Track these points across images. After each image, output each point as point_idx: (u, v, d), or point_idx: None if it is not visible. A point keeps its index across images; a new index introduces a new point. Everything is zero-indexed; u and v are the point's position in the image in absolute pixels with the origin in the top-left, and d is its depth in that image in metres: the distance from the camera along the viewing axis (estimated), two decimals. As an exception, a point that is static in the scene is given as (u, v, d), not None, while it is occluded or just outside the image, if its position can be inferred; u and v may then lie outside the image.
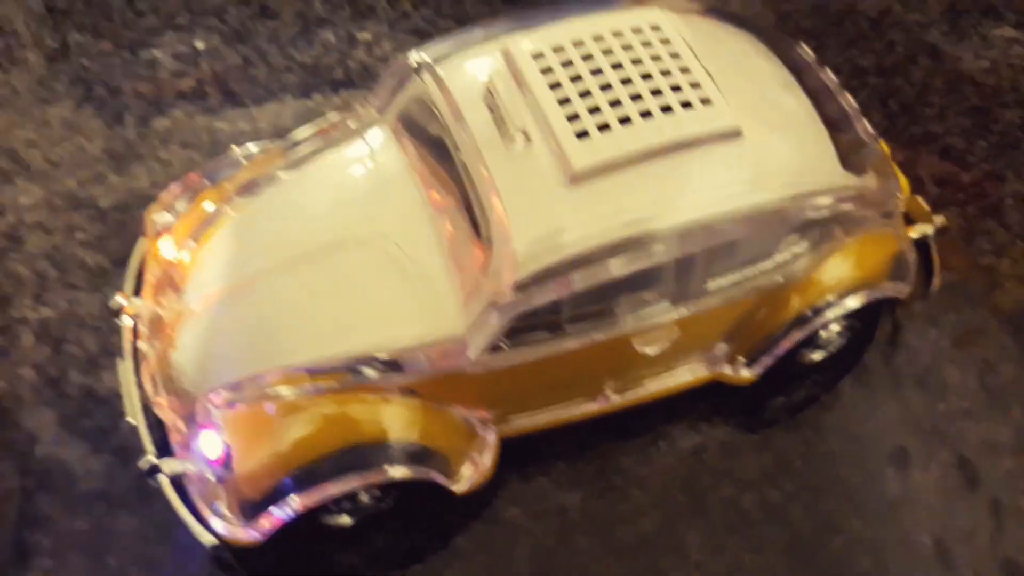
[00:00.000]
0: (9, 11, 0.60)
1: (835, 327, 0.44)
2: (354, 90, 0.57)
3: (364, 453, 0.38)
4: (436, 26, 0.60)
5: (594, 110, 0.37)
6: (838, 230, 0.40)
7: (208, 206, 0.43)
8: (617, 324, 0.39)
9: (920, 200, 0.48)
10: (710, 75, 0.38)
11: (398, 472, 0.38)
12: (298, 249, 0.40)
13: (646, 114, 0.37)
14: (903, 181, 0.45)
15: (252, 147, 0.44)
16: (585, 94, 0.37)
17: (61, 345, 0.47)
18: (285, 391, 0.38)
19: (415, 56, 0.41)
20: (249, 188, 0.42)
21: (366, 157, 0.42)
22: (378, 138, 0.42)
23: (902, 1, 0.64)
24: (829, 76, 0.43)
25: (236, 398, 0.38)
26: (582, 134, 0.36)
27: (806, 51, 0.45)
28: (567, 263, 0.36)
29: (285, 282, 0.39)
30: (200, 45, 0.58)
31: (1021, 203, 0.55)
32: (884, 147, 0.45)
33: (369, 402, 0.38)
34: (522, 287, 0.35)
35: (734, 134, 0.37)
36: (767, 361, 0.43)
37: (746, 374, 0.44)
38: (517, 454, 0.43)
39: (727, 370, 0.44)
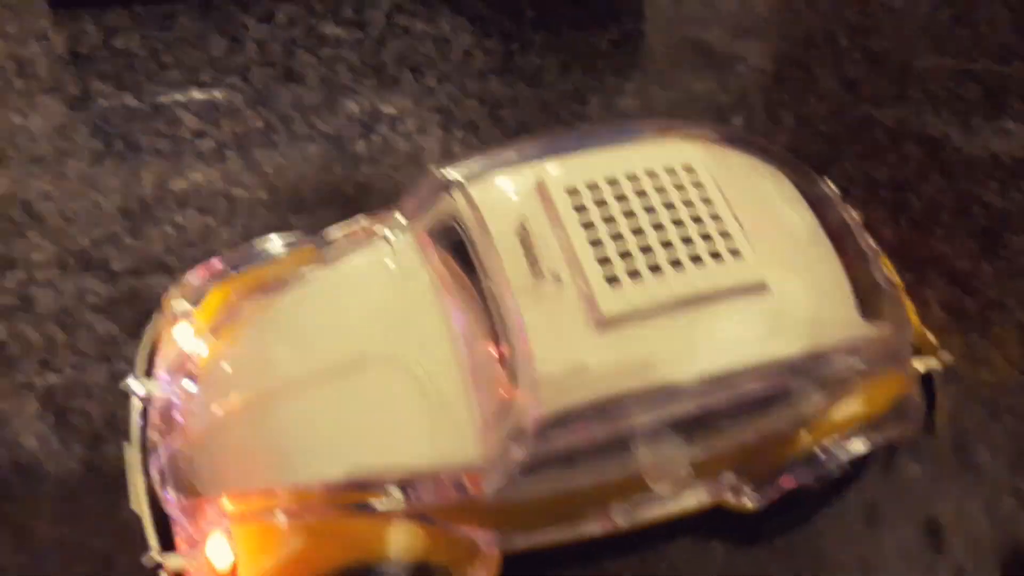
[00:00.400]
0: (33, 53, 0.59)
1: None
2: (375, 167, 0.57)
3: (368, 572, 0.38)
4: (459, 104, 0.60)
5: (625, 255, 0.37)
6: (852, 376, 0.41)
7: (230, 299, 0.43)
8: (632, 463, 0.39)
9: (928, 333, 0.49)
10: (739, 223, 0.38)
11: None
12: (319, 361, 0.40)
13: (676, 263, 0.37)
14: (914, 320, 0.46)
15: (277, 241, 0.44)
16: (617, 237, 0.38)
17: (65, 415, 0.47)
18: (295, 506, 0.38)
19: (448, 173, 0.41)
20: (274, 287, 0.43)
21: (393, 268, 0.42)
22: (406, 249, 0.42)
23: (917, 112, 0.65)
24: (851, 214, 0.43)
25: (247, 507, 0.38)
26: (612, 279, 0.37)
27: (830, 187, 0.45)
28: (590, 407, 0.36)
29: (304, 396, 0.39)
30: (222, 105, 0.58)
31: None
32: (899, 283, 0.46)
33: (375, 522, 0.38)
34: (544, 427, 0.36)
35: (760, 288, 0.38)
36: (771, 494, 0.44)
37: (749, 504, 0.44)
38: (516, 566, 0.43)
39: (730, 498, 0.44)
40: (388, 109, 0.59)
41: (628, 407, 0.37)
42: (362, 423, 0.39)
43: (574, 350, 0.36)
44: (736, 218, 0.39)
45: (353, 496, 0.38)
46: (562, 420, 0.36)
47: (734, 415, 0.40)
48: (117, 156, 0.56)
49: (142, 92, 0.58)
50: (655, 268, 0.37)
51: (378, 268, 0.42)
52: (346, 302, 0.42)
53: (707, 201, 0.39)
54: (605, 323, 0.36)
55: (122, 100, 0.58)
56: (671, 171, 0.39)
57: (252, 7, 0.62)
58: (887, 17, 0.70)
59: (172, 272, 0.52)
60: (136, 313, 0.50)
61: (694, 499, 0.44)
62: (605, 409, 0.36)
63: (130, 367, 0.48)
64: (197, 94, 0.58)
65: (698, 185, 0.39)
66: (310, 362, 0.40)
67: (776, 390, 0.39)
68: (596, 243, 0.37)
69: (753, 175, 0.43)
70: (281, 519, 0.38)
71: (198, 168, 0.55)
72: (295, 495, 0.38)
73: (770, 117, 0.64)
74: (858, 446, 0.43)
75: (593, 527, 0.43)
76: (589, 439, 0.37)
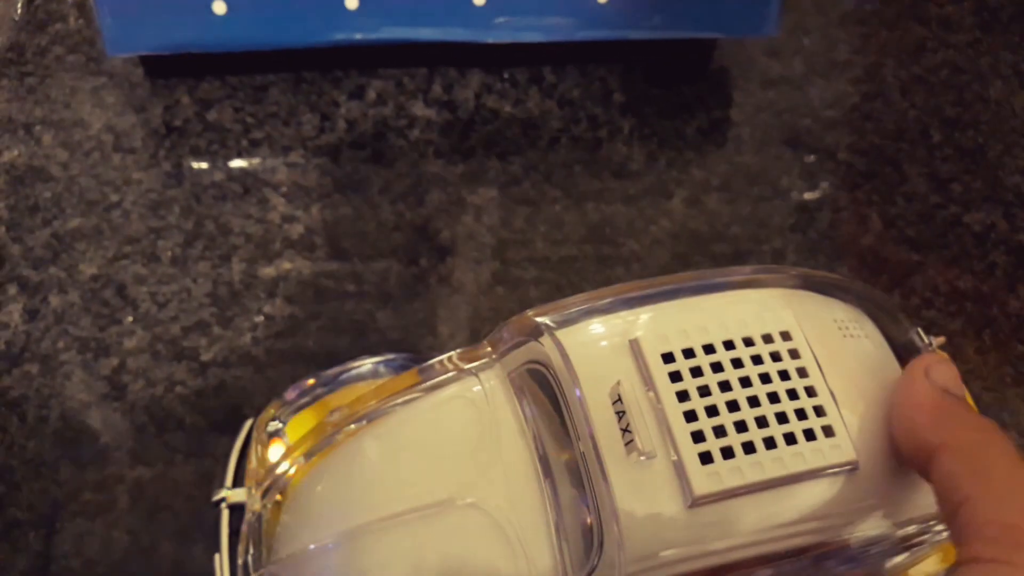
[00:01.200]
0: (128, 126, 0.60)
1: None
2: (457, 259, 0.57)
3: None
4: (544, 195, 0.60)
5: (719, 431, 0.37)
6: (933, 541, 0.41)
7: (324, 423, 0.44)
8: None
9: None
10: (834, 398, 0.38)
11: None
12: (406, 502, 0.40)
13: (769, 442, 0.37)
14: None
15: (369, 364, 0.45)
16: (712, 411, 0.37)
17: (156, 512, 0.49)
18: None
19: (539, 319, 0.41)
20: (368, 415, 0.43)
21: (482, 405, 0.42)
22: (495, 388, 0.42)
23: (1008, 217, 0.64)
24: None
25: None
26: (706, 457, 0.37)
27: (921, 335, 0.45)
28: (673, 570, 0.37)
29: (389, 537, 0.40)
30: (313, 189, 0.59)
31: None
32: None
33: None
34: None
35: (851, 468, 0.38)
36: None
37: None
38: None
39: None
40: (474, 199, 0.60)
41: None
42: (444, 571, 0.39)
43: (663, 525, 0.37)
44: (831, 392, 0.38)
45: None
46: None
47: None
48: (207, 238, 0.57)
49: (233, 171, 0.59)
50: (748, 447, 0.37)
51: (469, 405, 0.43)
52: (436, 439, 0.42)
53: (802, 373, 0.38)
54: (696, 502, 0.37)
55: (213, 179, 0.59)
56: (768, 339, 0.39)
57: (343, 82, 0.62)
58: (983, 108, 0.69)
59: (260, 366, 0.53)
60: (222, 405, 0.52)
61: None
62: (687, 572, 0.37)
63: (215, 463, 0.50)
64: (287, 174, 0.59)
65: (795, 354, 0.39)
66: (397, 501, 0.40)
67: (858, 564, 0.40)
68: (690, 416, 0.37)
69: (847, 333, 0.43)
70: None
71: (286, 255, 0.56)
72: None
73: (856, 217, 0.63)
74: None
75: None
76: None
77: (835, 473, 0.38)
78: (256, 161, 0.60)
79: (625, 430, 0.39)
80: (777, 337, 0.41)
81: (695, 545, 0.37)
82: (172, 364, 0.53)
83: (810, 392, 0.39)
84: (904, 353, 0.44)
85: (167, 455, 0.50)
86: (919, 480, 0.40)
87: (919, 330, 0.46)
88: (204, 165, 0.59)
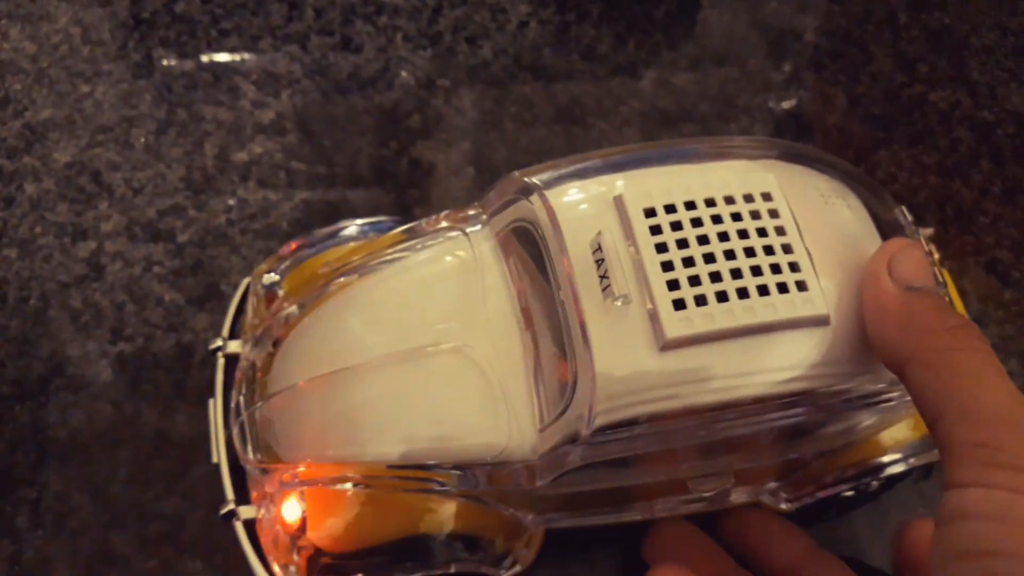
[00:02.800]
0: (96, 19, 0.60)
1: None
2: (428, 141, 0.58)
3: (426, 544, 0.42)
4: (514, 77, 0.61)
5: (694, 280, 0.38)
6: (903, 405, 0.42)
7: (317, 276, 0.45)
8: (680, 470, 0.41)
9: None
10: (810, 255, 0.39)
11: (455, 566, 0.42)
12: (394, 345, 0.42)
13: (743, 292, 0.38)
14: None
15: (358, 225, 0.47)
16: (688, 262, 0.38)
17: (138, 384, 0.50)
18: (361, 479, 0.41)
19: (527, 179, 0.42)
20: (360, 269, 0.45)
21: (471, 262, 0.43)
22: (483, 246, 0.44)
23: (972, 95, 0.65)
24: (924, 243, 0.44)
25: (319, 474, 0.41)
26: (679, 304, 0.38)
27: (904, 213, 0.45)
28: (645, 420, 0.38)
29: (378, 377, 0.42)
30: (282, 74, 0.59)
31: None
32: (962, 311, 0.47)
33: (432, 499, 0.42)
34: (599, 435, 0.38)
35: (822, 322, 0.39)
36: (808, 501, 0.46)
37: (784, 507, 0.47)
38: (557, 541, 0.46)
39: (767, 499, 0.47)
40: (443, 82, 0.60)
41: (681, 423, 0.38)
42: (429, 409, 0.41)
43: (634, 367, 0.38)
44: (807, 250, 0.39)
45: (413, 475, 0.41)
46: (616, 430, 0.38)
47: (784, 435, 0.42)
48: (180, 126, 0.57)
49: (203, 60, 0.60)
50: (722, 296, 0.38)
51: (457, 261, 0.44)
52: (424, 290, 0.44)
53: (780, 231, 0.39)
54: (668, 344, 0.38)
55: (183, 68, 0.59)
56: (749, 198, 0.40)
57: (310, -28, 0.62)
58: (949, -11, 0.69)
59: (235, 246, 0.54)
60: (200, 283, 0.53)
61: (733, 498, 0.47)
62: (659, 423, 0.38)
63: (195, 337, 0.51)
64: (256, 61, 0.60)
65: (774, 214, 0.39)
66: (386, 345, 0.42)
67: (827, 417, 0.41)
68: (667, 266, 0.38)
69: (828, 201, 0.43)
70: (348, 488, 0.41)
71: (258, 141, 0.57)
72: (362, 470, 0.41)
73: (822, 96, 0.64)
74: (897, 467, 0.45)
75: (634, 515, 0.46)
76: (641, 448, 0.39)
77: (806, 326, 0.39)
78: (225, 51, 0.60)
79: (603, 277, 0.40)
80: (758, 197, 0.41)
81: (665, 388, 0.38)
82: (149, 245, 0.54)
83: (786, 249, 0.40)
84: (888, 230, 0.45)
85: (147, 330, 0.51)
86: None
87: (903, 208, 0.47)
88: (174, 55, 0.60)
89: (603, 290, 0.39)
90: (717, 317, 0.38)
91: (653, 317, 0.38)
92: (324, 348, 0.44)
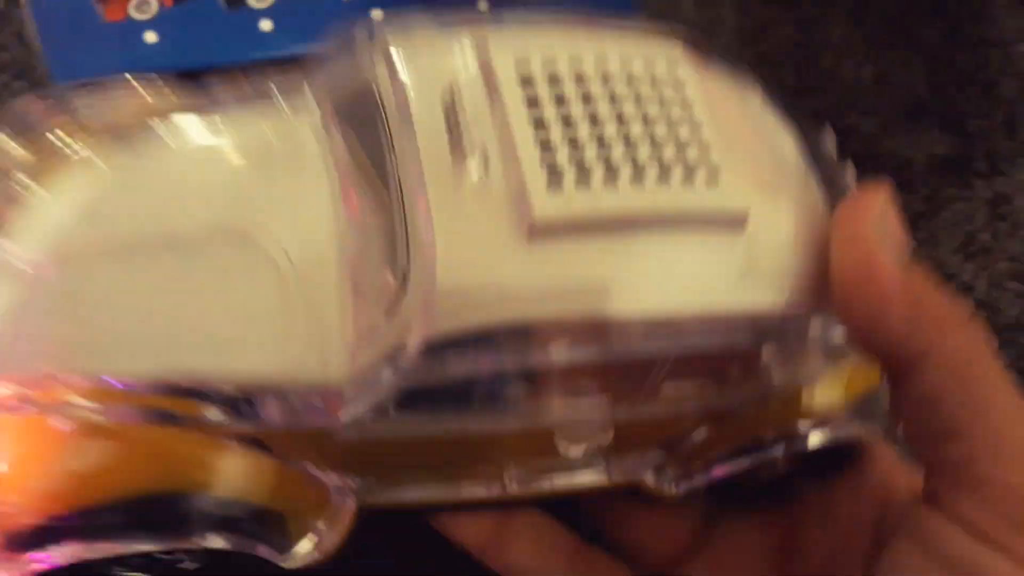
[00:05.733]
0: None
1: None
2: None
3: (173, 506, 0.30)
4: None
5: (574, 146, 0.29)
6: (827, 352, 0.33)
7: (60, 140, 0.33)
8: (539, 415, 0.31)
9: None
10: (723, 140, 0.30)
11: (214, 541, 0.30)
12: (157, 230, 0.31)
13: (638, 174, 0.29)
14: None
15: (134, 81, 0.35)
16: (568, 124, 0.29)
17: None
18: (87, 404, 0.29)
19: (368, 29, 0.32)
20: (120, 134, 0.33)
21: (279, 136, 0.33)
22: (302, 115, 0.33)
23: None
24: (849, 174, 0.36)
25: (26, 397, 0.29)
26: (554, 177, 0.28)
27: (831, 137, 0.37)
28: (498, 330, 0.28)
29: (134, 269, 0.30)
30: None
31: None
32: None
33: (193, 440, 0.30)
34: (434, 348, 0.27)
35: (736, 222, 0.30)
36: (699, 482, 0.36)
37: (670, 490, 0.37)
38: (373, 528, 0.35)
39: (649, 479, 0.37)
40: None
41: (546, 340, 0.28)
42: (195, 312, 0.30)
43: (490, 259, 0.28)
44: (719, 133, 0.31)
45: (167, 402, 0.29)
46: (457, 344, 0.27)
47: (677, 378, 0.32)
48: None
49: None
50: (610, 173, 0.28)
51: (260, 133, 0.33)
52: (209, 166, 0.32)
53: (686, 106, 0.30)
54: (536, 231, 0.28)
55: None
56: (650, 63, 0.31)
57: None
58: None
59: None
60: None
61: (606, 474, 0.36)
62: (515, 338, 0.28)
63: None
64: None
65: (679, 85, 0.31)
66: (146, 229, 0.31)
67: (733, 353, 0.32)
68: (540, 126, 0.29)
69: (742, 95, 0.35)
70: (65, 419, 0.29)
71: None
72: (92, 389, 0.28)
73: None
74: (814, 439, 0.36)
75: (478, 490, 0.35)
76: (489, 375, 0.29)
77: (716, 226, 0.30)
78: None
79: (455, 139, 0.29)
80: (662, 64, 0.31)
81: (527, 290, 0.28)
82: None
83: (694, 128, 0.30)
84: (810, 156, 0.36)
85: None
86: (817, 271, 0.31)
87: (829, 130, 0.39)
88: None
89: (454, 155, 0.29)
90: (602, 198, 0.28)
91: (518, 192, 0.28)
92: (63, 231, 0.31)
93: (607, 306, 0.28)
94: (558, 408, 0.31)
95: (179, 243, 0.30)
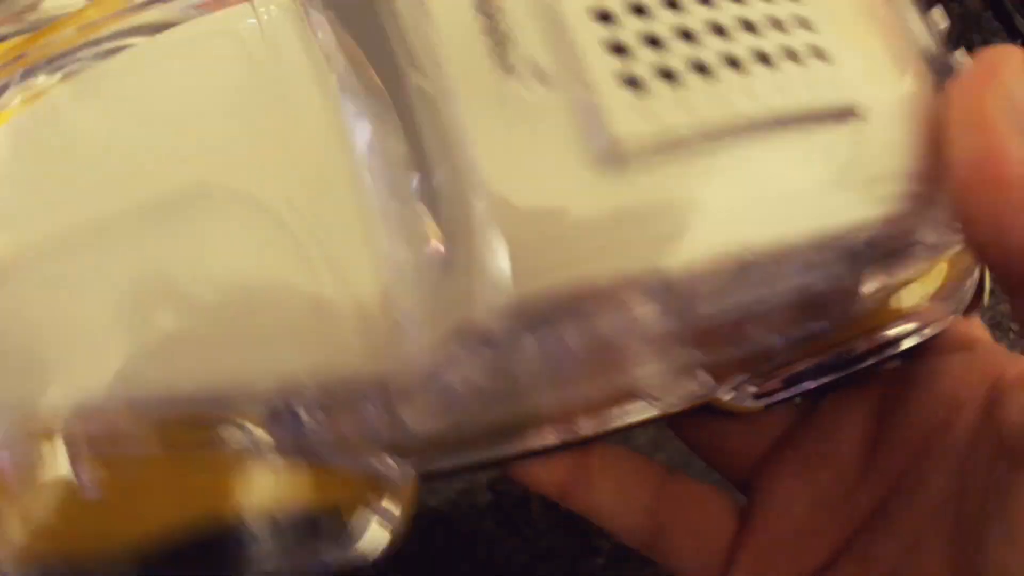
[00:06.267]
0: None
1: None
2: None
3: (205, 549, 0.24)
4: None
5: (652, 41, 0.22)
6: (930, 253, 0.28)
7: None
8: (627, 378, 0.26)
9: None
10: (829, 11, 0.24)
11: (272, 566, 0.24)
12: (123, 192, 0.24)
13: (733, 62, 0.23)
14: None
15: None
16: (639, 12, 0.23)
17: None
18: (64, 431, 0.22)
19: None
20: (56, 60, 0.25)
21: (256, 46, 0.25)
22: (279, 17, 0.25)
23: None
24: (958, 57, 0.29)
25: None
26: (632, 81, 0.22)
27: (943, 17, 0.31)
28: (587, 292, 0.22)
29: (94, 251, 0.23)
30: None
31: None
32: None
33: (206, 465, 0.24)
34: (520, 320, 0.22)
35: (847, 114, 0.24)
36: (782, 396, 0.32)
37: (751, 404, 0.33)
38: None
39: (727, 396, 0.32)
40: None
41: (642, 295, 0.23)
42: (190, 302, 0.23)
43: (563, 193, 0.22)
44: (825, 3, 0.24)
45: (176, 429, 0.23)
46: (545, 311, 0.22)
47: (772, 317, 0.26)
48: None
49: None
50: (700, 67, 0.22)
51: (231, 45, 0.25)
52: (175, 98, 0.25)
53: None
54: (615, 155, 0.21)
55: None
56: None
57: None
58: None
59: None
60: None
61: (684, 400, 0.32)
62: (608, 297, 0.22)
63: None
64: None
65: None
66: (107, 193, 0.24)
67: (840, 281, 0.26)
68: (605, 18, 0.22)
69: None
70: (43, 451, 0.22)
71: None
72: (69, 419, 0.22)
73: None
74: (908, 342, 0.31)
75: (548, 437, 0.30)
76: (576, 346, 0.23)
77: (829, 120, 0.23)
78: None
79: (495, 37, 0.22)
80: None
81: (618, 236, 0.21)
82: None
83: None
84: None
85: None
86: (933, 165, 0.24)
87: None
88: None
89: (496, 60, 0.22)
90: (701, 104, 0.22)
91: (587, 105, 0.21)
92: (8, 203, 0.24)
93: (706, 249, 0.22)
94: (646, 374, 0.26)
95: (152, 210, 0.23)
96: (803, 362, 0.31)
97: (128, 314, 0.23)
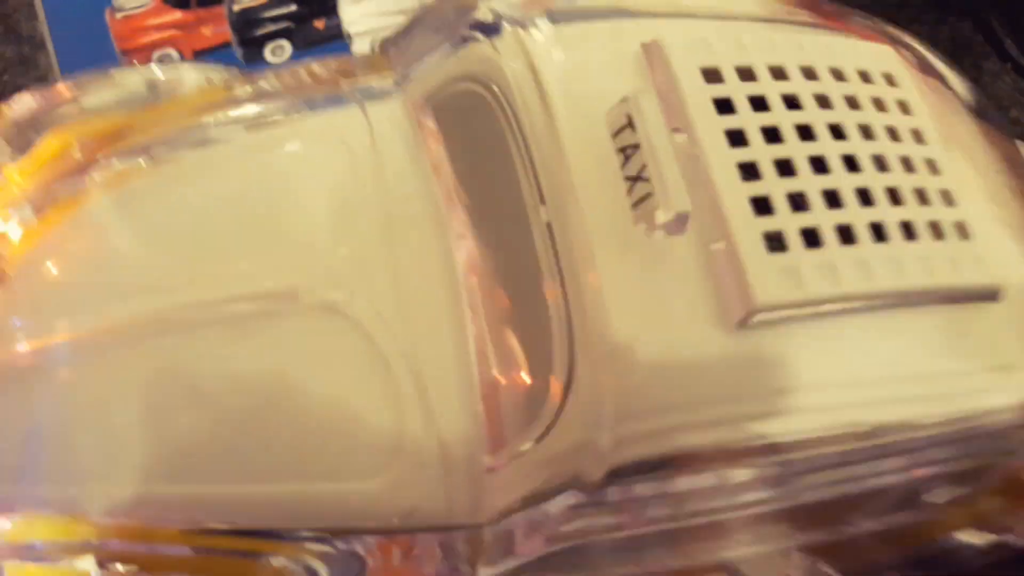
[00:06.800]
0: None
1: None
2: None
3: None
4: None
5: (797, 200, 0.21)
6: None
7: (74, 155, 0.25)
8: (718, 551, 0.24)
9: None
10: (965, 183, 0.23)
11: None
12: (203, 290, 0.22)
13: (877, 231, 0.21)
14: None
15: (179, 72, 0.26)
16: (785, 169, 0.21)
17: None
18: (113, 550, 0.21)
19: (491, 7, 0.24)
20: (150, 148, 0.25)
21: (364, 150, 0.24)
22: (389, 123, 0.24)
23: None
24: None
25: (22, 539, 0.21)
26: (775, 243, 0.21)
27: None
28: (712, 453, 0.21)
29: (164, 347, 0.22)
30: None
31: None
32: None
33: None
34: (623, 477, 0.20)
35: (989, 295, 0.23)
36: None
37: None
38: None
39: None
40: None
41: (763, 464, 0.21)
42: (266, 417, 0.21)
43: (690, 352, 0.20)
44: (959, 174, 0.23)
45: (228, 547, 0.21)
46: (651, 472, 0.20)
47: (881, 497, 0.24)
48: None
49: None
50: (845, 232, 0.21)
51: (335, 146, 0.24)
52: (270, 195, 0.24)
53: (918, 137, 0.23)
54: (750, 316, 0.20)
55: None
56: (866, 77, 0.23)
57: None
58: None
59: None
60: None
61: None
62: (726, 460, 0.21)
63: None
64: None
65: (904, 109, 0.23)
66: (187, 289, 0.22)
67: (955, 464, 0.24)
68: (750, 172, 0.21)
69: (956, 111, 0.27)
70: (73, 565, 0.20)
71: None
72: (130, 527, 0.20)
73: None
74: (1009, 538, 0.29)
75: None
76: (670, 512, 0.21)
77: (967, 299, 0.22)
78: None
79: (633, 180, 0.21)
80: (879, 78, 0.24)
81: (744, 399, 0.20)
82: None
83: (931, 167, 0.23)
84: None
85: None
86: None
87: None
88: None
89: (633, 206, 0.21)
90: (844, 272, 0.21)
91: (729, 263, 0.20)
92: (72, 288, 0.23)
93: (834, 419, 0.21)
94: (740, 544, 0.24)
95: (231, 312, 0.22)
96: (884, 553, 0.28)
97: (190, 416, 0.21)
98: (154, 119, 0.25)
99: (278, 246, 0.23)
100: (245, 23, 0.40)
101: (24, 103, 0.26)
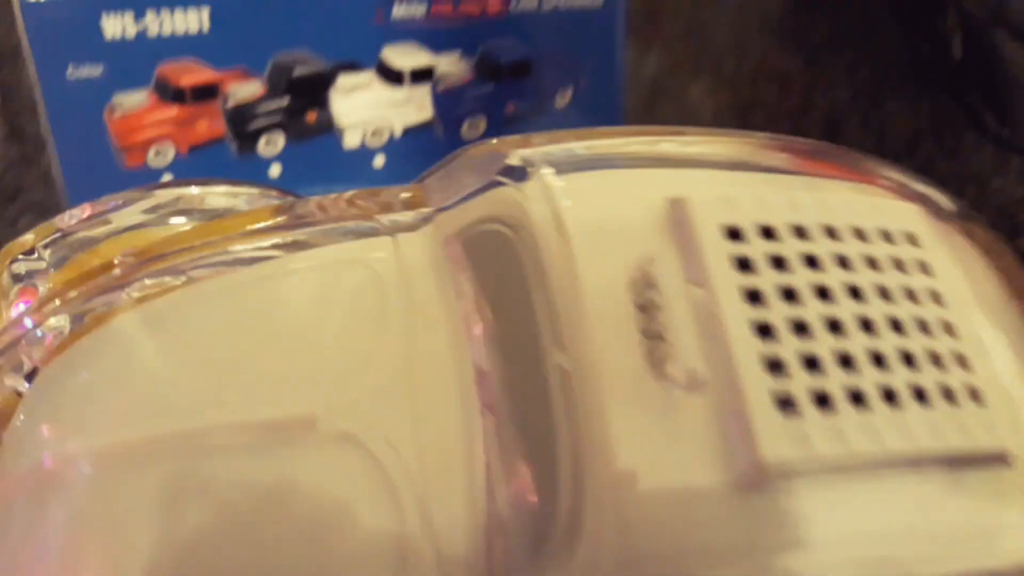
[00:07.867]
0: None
1: None
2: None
3: None
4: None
5: (810, 362, 0.22)
6: None
7: (111, 273, 0.25)
8: None
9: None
10: (980, 344, 0.24)
11: None
12: (234, 412, 0.23)
13: (889, 394, 0.22)
14: None
15: (202, 190, 0.27)
16: (800, 329, 0.22)
17: None
18: None
19: (514, 154, 0.25)
20: (179, 269, 0.25)
21: (392, 281, 0.25)
22: (418, 258, 0.25)
23: None
24: None
25: None
26: (785, 403, 0.21)
27: None
28: None
29: (181, 467, 0.22)
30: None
31: None
32: None
33: None
34: None
35: (998, 460, 0.23)
36: None
37: None
38: None
39: None
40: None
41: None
42: (271, 538, 0.22)
43: (688, 512, 0.21)
44: (976, 337, 0.24)
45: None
46: None
47: None
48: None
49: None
50: (856, 395, 0.22)
51: (366, 277, 0.25)
52: (297, 320, 0.25)
53: (937, 299, 0.24)
54: (755, 475, 0.21)
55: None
56: (887, 237, 0.24)
57: None
58: None
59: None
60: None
61: None
62: None
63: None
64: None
65: (925, 269, 0.24)
66: (207, 412, 0.23)
67: None
68: (764, 332, 0.22)
69: (983, 276, 0.28)
70: None
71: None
72: None
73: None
74: None
75: None
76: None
77: (977, 465, 0.23)
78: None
79: (651, 337, 0.22)
80: (900, 238, 0.24)
81: (739, 555, 0.21)
82: None
83: (948, 330, 0.23)
84: None
85: None
86: None
87: None
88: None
89: (649, 362, 0.22)
90: (851, 435, 0.21)
91: (738, 422, 0.21)
92: (101, 405, 0.24)
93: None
94: None
95: (257, 438, 0.23)
96: None
97: (201, 537, 0.22)
98: (191, 239, 0.26)
99: (301, 371, 0.24)
100: (240, 118, 0.42)
101: (70, 217, 0.27)
